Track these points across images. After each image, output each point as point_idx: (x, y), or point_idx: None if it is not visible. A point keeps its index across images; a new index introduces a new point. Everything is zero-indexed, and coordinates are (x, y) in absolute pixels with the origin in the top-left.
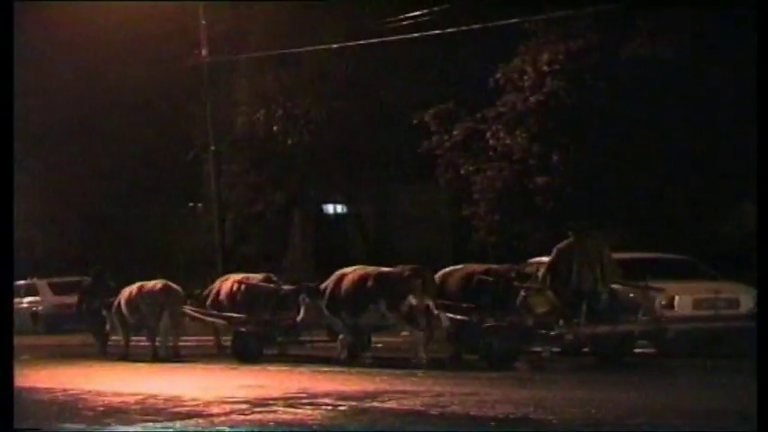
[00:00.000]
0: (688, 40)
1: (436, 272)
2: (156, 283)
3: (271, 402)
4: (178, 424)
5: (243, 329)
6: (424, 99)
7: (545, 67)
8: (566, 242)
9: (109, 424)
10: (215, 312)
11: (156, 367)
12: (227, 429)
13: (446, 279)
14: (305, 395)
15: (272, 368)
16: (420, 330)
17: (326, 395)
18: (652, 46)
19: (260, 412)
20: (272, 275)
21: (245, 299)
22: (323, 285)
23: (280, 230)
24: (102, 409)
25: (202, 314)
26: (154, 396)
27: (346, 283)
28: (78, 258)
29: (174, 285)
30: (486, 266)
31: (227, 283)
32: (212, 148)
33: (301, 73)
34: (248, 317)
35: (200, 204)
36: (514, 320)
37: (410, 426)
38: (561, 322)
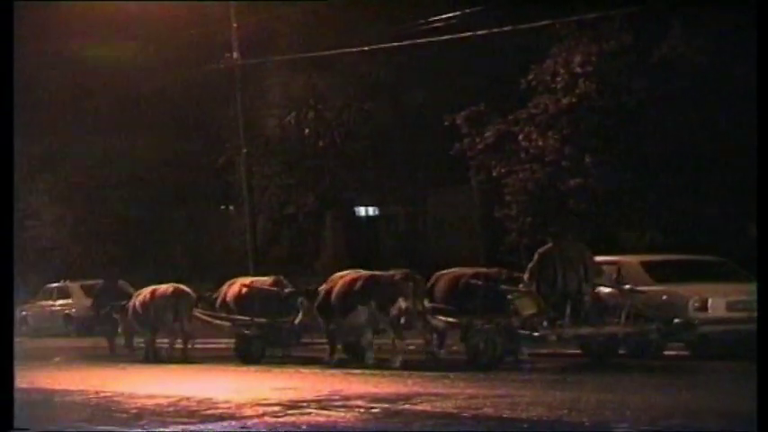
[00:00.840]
0: (720, 42)
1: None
2: (168, 287)
3: (303, 404)
4: (211, 426)
5: (246, 332)
6: (455, 101)
7: (577, 69)
8: (546, 247)
9: (142, 426)
10: (222, 315)
11: (189, 369)
12: None
13: (437, 282)
14: (337, 397)
15: (304, 370)
16: (397, 335)
17: (359, 397)
18: (684, 47)
19: (293, 414)
20: (281, 278)
21: (248, 302)
22: (320, 288)
23: (311, 233)
24: (135, 411)
25: (210, 316)
26: (187, 398)
27: (338, 285)
28: (111, 261)
29: (186, 289)
30: (475, 270)
31: (234, 287)
32: (244, 150)
33: (333, 75)
34: (250, 319)
35: (232, 207)
36: (500, 322)
37: (443, 428)
38: (545, 324)
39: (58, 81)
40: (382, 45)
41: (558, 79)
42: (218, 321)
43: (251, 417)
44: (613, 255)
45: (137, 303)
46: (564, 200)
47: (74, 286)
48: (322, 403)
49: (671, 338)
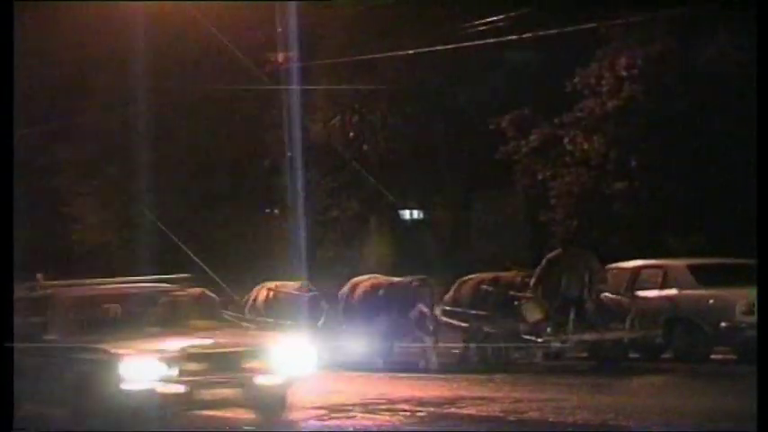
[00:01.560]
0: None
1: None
2: (193, 291)
3: (349, 408)
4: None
5: None
6: (500, 104)
7: (623, 72)
8: (554, 253)
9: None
10: (248, 317)
11: None
12: None
13: (461, 287)
14: (383, 401)
15: (349, 373)
16: (430, 336)
17: (405, 401)
18: (731, 50)
19: (338, 418)
20: (307, 283)
21: (273, 305)
22: (340, 292)
23: (355, 236)
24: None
25: (237, 319)
26: None
27: (359, 291)
28: (155, 264)
29: (209, 293)
30: (494, 274)
31: (262, 291)
32: (288, 154)
33: (377, 79)
34: (274, 321)
35: (276, 211)
36: (508, 327)
37: None
38: (549, 329)
39: (104, 84)
40: (427, 48)
41: (604, 82)
42: (245, 324)
43: (296, 420)
44: (659, 259)
45: None
46: (609, 203)
47: None
48: (368, 407)
49: (718, 342)
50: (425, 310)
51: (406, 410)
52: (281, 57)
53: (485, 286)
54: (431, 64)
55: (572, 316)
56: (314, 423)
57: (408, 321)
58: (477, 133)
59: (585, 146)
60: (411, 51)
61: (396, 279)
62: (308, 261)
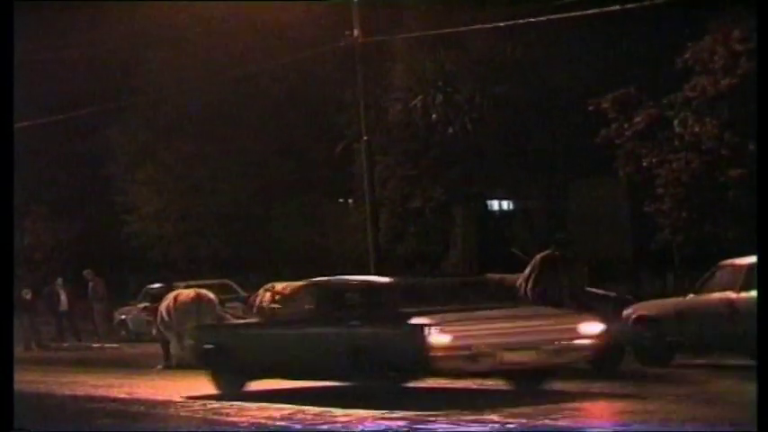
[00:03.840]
0: None
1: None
2: (190, 292)
3: (431, 419)
4: None
5: None
6: (601, 83)
7: (738, 46)
8: (547, 252)
9: None
10: (241, 317)
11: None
12: None
13: None
14: (468, 410)
15: (431, 381)
16: None
17: (494, 411)
18: None
19: (420, 429)
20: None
21: (271, 306)
22: None
23: (439, 229)
24: (245, 425)
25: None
26: (302, 411)
27: None
28: (216, 259)
29: (210, 295)
30: (501, 276)
31: (268, 292)
32: (364, 138)
33: (464, 55)
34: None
35: (350, 200)
36: None
37: None
38: None
39: (160, 63)
40: (519, 21)
41: (717, 58)
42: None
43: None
44: None
45: (163, 308)
46: (723, 192)
47: (177, 286)
48: (452, 417)
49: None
50: None
51: (494, 422)
52: (356, 31)
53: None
54: (523, 37)
55: None
56: None
57: None
58: (576, 115)
59: (696, 128)
60: (501, 24)
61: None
62: (384, 257)
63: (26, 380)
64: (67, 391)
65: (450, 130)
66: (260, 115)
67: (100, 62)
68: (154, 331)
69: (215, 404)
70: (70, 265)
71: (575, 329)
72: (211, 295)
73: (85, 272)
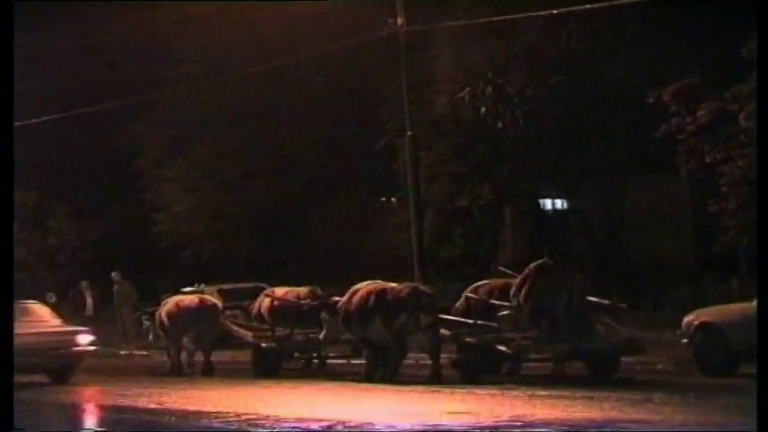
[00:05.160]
0: None
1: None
2: (193, 298)
3: (478, 431)
4: None
5: (264, 344)
6: (661, 74)
7: None
8: (540, 261)
9: None
10: (253, 324)
11: (340, 389)
12: None
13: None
14: (519, 423)
15: (480, 391)
16: (397, 349)
17: (545, 423)
18: None
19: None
20: (317, 289)
21: (272, 313)
22: (341, 301)
23: (488, 229)
24: None
25: (238, 326)
26: (342, 422)
27: (356, 299)
28: (250, 261)
29: (213, 300)
30: (505, 281)
31: (267, 299)
32: (408, 133)
33: (515, 44)
34: (271, 330)
35: (393, 199)
36: (488, 337)
37: None
38: (525, 340)
39: (191, 53)
40: (574, 7)
41: None
42: (243, 332)
43: None
44: None
45: (163, 313)
46: None
47: (210, 290)
48: (501, 429)
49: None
50: (405, 320)
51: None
52: (400, 19)
53: (470, 294)
54: (579, 25)
55: (553, 324)
56: None
57: (391, 332)
58: (634, 108)
59: None
60: (555, 11)
61: (389, 285)
62: (430, 259)
63: (49, 388)
64: (93, 401)
65: (500, 125)
66: (297, 108)
67: (128, 53)
68: (151, 337)
69: (250, 415)
70: (96, 267)
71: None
72: (216, 301)
73: (113, 274)
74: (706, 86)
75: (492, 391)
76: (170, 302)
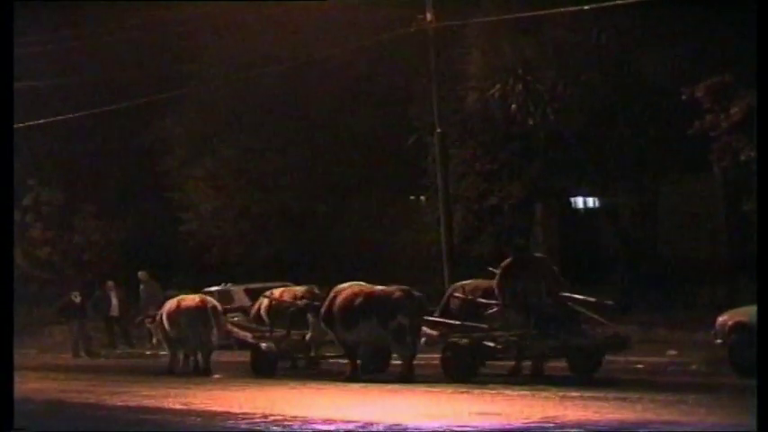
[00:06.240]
0: None
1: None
2: (194, 298)
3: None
4: None
5: (262, 345)
6: (695, 70)
7: None
8: (508, 260)
9: None
10: (252, 325)
11: (371, 389)
12: None
13: (450, 295)
14: (551, 425)
15: (510, 392)
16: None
17: (577, 425)
18: None
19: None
20: (314, 288)
21: (268, 314)
22: (326, 301)
23: (518, 228)
24: None
25: (238, 327)
26: (370, 423)
27: (339, 299)
28: (278, 260)
29: (213, 301)
30: (488, 282)
31: (264, 299)
32: (438, 130)
33: (545, 40)
34: (269, 331)
35: (422, 197)
36: (473, 336)
37: None
38: (510, 338)
39: (218, 49)
40: (605, 2)
41: None
42: (243, 333)
43: None
44: None
45: (164, 314)
46: None
47: (237, 290)
48: (532, 431)
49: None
50: (404, 321)
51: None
52: (429, 15)
53: (456, 294)
54: (610, 21)
55: (532, 321)
56: None
57: (387, 332)
58: (667, 105)
59: None
60: (586, 7)
61: (378, 288)
62: (459, 257)
63: (73, 389)
64: (119, 402)
65: (531, 122)
66: (325, 106)
67: (154, 48)
68: (154, 340)
69: (277, 416)
70: (122, 267)
71: None
72: (216, 303)
73: (140, 273)
74: (739, 83)
75: (522, 392)
76: (171, 303)
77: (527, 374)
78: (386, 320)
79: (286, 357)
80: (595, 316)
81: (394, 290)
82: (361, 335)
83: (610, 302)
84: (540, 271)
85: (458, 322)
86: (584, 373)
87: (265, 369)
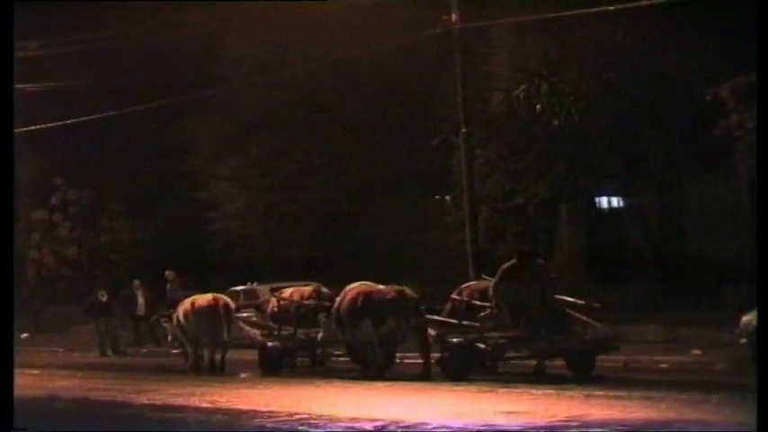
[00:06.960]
0: None
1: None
2: (207, 297)
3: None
4: None
5: (269, 343)
6: (718, 70)
7: None
8: (509, 263)
9: None
10: (251, 323)
11: (390, 388)
12: None
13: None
14: (575, 423)
15: (535, 391)
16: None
17: (602, 424)
18: None
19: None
20: (320, 288)
21: (278, 313)
22: (336, 301)
23: (543, 228)
24: None
25: (249, 325)
26: (395, 422)
27: (346, 300)
28: (304, 259)
29: (227, 299)
30: (487, 284)
31: (273, 298)
32: (463, 130)
33: (569, 40)
34: (277, 329)
35: (448, 197)
36: (469, 336)
37: None
38: (505, 339)
39: (245, 49)
40: (628, 4)
41: None
42: (252, 332)
43: None
44: None
45: (180, 313)
46: None
47: (263, 289)
48: (557, 430)
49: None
50: (392, 323)
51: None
52: (454, 15)
53: (454, 295)
54: (634, 21)
55: (528, 324)
56: None
57: (378, 334)
58: (691, 105)
59: None
60: (611, 7)
61: (376, 288)
62: (484, 257)
63: (100, 387)
64: (145, 400)
65: (556, 122)
66: (351, 106)
67: (181, 48)
68: (169, 338)
69: (303, 414)
70: (148, 266)
71: None
72: (229, 300)
73: (167, 272)
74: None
75: (548, 391)
76: (185, 303)
77: (549, 374)
78: (378, 321)
79: (292, 355)
80: (584, 318)
81: (388, 290)
82: (361, 335)
83: (597, 305)
84: (536, 275)
85: (454, 321)
86: (579, 373)
87: (271, 367)
